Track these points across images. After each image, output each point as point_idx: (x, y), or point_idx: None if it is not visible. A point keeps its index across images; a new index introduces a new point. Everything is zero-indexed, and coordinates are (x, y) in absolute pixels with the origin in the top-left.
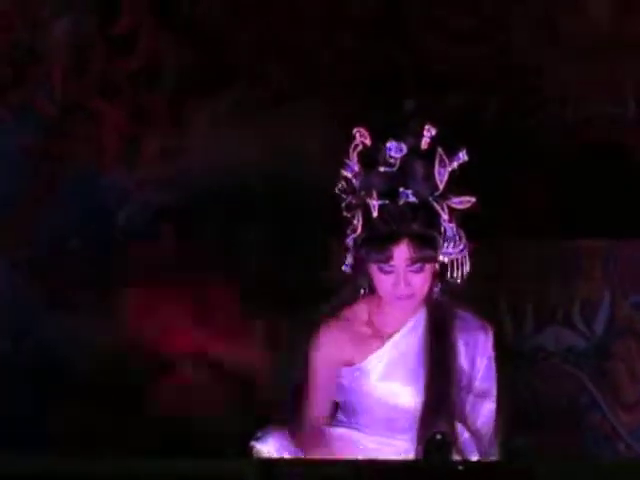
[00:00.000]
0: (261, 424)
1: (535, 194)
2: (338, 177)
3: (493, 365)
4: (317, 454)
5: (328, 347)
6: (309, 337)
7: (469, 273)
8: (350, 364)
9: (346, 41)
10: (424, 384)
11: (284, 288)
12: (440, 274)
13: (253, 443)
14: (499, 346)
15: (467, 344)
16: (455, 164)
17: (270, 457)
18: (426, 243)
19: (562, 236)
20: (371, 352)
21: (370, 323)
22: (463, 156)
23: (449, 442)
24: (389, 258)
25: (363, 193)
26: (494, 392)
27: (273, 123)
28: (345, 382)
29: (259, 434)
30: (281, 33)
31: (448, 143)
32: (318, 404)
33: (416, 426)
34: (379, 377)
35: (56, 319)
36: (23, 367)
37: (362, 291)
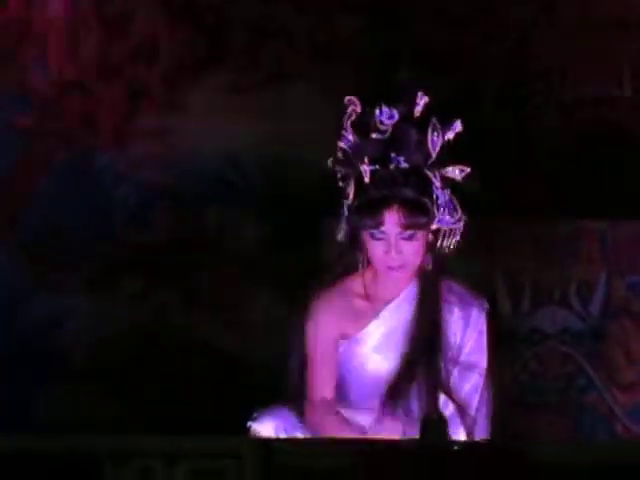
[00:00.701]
0: (259, 405)
1: (533, 174)
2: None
3: (484, 340)
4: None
5: (323, 319)
6: (305, 312)
7: (466, 252)
8: (345, 337)
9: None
10: (409, 356)
11: (282, 269)
12: (433, 245)
13: (250, 424)
14: (495, 326)
15: (459, 317)
16: (450, 134)
17: (267, 436)
18: (417, 209)
19: (560, 216)
20: (365, 324)
21: (365, 296)
22: (458, 126)
23: (445, 422)
24: (380, 223)
25: (355, 160)
26: (482, 366)
27: (269, 102)
28: (340, 356)
29: (255, 414)
30: (277, 10)
31: (446, 122)
32: (321, 382)
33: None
34: (372, 349)
35: (47, 300)
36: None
37: (360, 266)
